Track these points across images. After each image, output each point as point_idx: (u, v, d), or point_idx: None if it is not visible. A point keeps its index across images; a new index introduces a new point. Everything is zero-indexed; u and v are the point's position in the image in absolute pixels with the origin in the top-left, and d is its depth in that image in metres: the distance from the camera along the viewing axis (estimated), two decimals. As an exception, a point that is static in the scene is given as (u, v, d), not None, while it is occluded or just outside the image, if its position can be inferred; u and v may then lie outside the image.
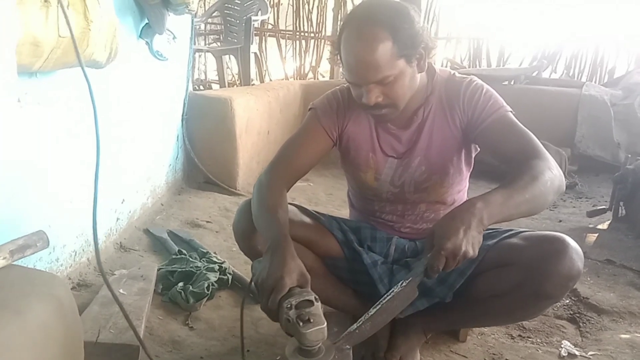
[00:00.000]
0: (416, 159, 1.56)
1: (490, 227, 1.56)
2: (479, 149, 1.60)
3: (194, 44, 3.49)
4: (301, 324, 1.10)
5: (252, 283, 1.29)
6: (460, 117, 1.50)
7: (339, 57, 1.42)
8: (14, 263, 1.17)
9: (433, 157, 1.54)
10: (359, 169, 1.62)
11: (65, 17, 1.32)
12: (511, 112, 1.47)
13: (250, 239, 1.52)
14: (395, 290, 1.25)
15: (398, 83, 1.37)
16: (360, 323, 1.22)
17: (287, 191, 1.55)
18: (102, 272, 1.22)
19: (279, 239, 1.30)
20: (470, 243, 1.16)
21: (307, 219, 1.62)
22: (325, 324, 1.13)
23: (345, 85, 1.60)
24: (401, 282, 1.26)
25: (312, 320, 1.11)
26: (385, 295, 1.25)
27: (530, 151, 1.36)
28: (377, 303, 1.24)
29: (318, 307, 1.15)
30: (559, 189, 1.32)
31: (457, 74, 1.56)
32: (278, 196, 1.47)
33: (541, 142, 4.25)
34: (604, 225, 3.10)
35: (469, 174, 1.66)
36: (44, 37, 1.36)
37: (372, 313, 1.22)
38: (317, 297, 1.17)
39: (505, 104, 1.48)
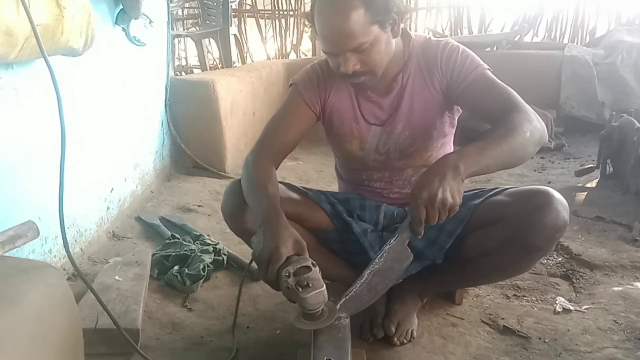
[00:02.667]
0: (399, 125, 1.56)
1: (476, 188, 1.58)
2: (461, 111, 1.61)
3: (172, 29, 3.44)
4: (300, 289, 1.13)
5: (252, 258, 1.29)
6: (440, 79, 1.51)
7: (314, 29, 1.42)
8: (5, 254, 1.17)
9: (416, 121, 1.55)
10: (343, 140, 1.63)
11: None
12: (489, 69, 1.48)
13: (239, 218, 1.52)
14: (384, 249, 1.26)
15: (374, 49, 1.37)
16: (357, 286, 1.24)
17: (276, 168, 1.55)
18: (70, 256, 1.21)
19: (270, 212, 1.31)
20: (447, 190, 1.17)
21: (294, 195, 1.62)
22: (325, 287, 1.15)
23: (323, 59, 1.60)
24: (389, 239, 1.27)
25: (311, 285, 1.14)
26: (377, 256, 1.26)
27: (510, 105, 1.37)
28: (370, 264, 1.25)
29: (316, 272, 1.18)
30: (540, 140, 1.32)
31: (432, 38, 1.56)
32: (266, 173, 1.48)
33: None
34: (592, 184, 3.13)
35: (453, 136, 1.67)
36: (17, 26, 1.33)
37: (366, 275, 1.23)
38: (314, 262, 1.20)
39: (482, 62, 1.49)
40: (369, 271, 1.25)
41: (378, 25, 1.35)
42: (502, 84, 1.45)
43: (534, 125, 1.31)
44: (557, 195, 1.39)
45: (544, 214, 1.35)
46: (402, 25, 1.45)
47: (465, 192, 1.61)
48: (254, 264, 1.36)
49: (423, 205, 1.18)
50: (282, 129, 1.58)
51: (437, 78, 1.51)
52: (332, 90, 1.59)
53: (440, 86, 1.51)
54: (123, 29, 2.38)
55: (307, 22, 1.55)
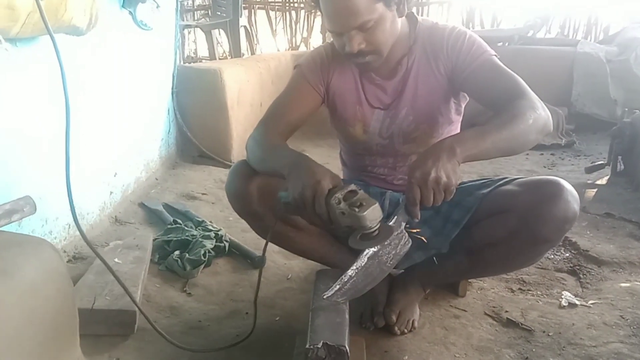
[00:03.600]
0: (403, 110, 1.54)
1: (484, 177, 1.55)
2: (468, 98, 1.58)
3: (182, 19, 3.42)
4: (357, 209, 1.12)
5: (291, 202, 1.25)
6: (445, 64, 1.48)
7: (318, 9, 1.40)
8: (2, 229, 1.15)
9: (420, 106, 1.53)
10: (347, 123, 1.61)
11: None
12: (495, 55, 1.45)
13: (244, 198, 1.49)
14: None
15: (379, 28, 1.35)
16: (353, 270, 1.21)
17: None
18: (82, 233, 1.19)
19: (296, 156, 1.31)
20: (441, 170, 1.15)
21: None
22: (377, 202, 1.15)
23: (329, 42, 1.59)
24: (385, 222, 1.24)
25: (364, 204, 1.13)
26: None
27: (515, 92, 1.34)
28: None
29: (363, 193, 1.17)
30: (543, 128, 1.30)
31: (439, 23, 1.54)
32: (278, 140, 1.47)
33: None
34: (602, 181, 3.08)
35: (460, 124, 1.64)
36: (19, 0, 1.32)
37: (363, 259, 1.21)
38: (358, 186, 1.19)
39: (488, 48, 1.46)
40: (364, 253, 1.22)
41: (383, 3, 1.33)
42: (509, 70, 1.42)
43: (538, 113, 1.28)
44: (567, 185, 1.35)
45: (554, 205, 1.32)
46: (407, 7, 1.42)
47: (473, 181, 1.59)
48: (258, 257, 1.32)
49: (416, 184, 1.16)
50: (286, 109, 1.56)
51: (443, 62, 1.48)
52: (336, 72, 1.57)
53: (446, 71, 1.49)
54: (130, 13, 2.37)
55: (312, 3, 1.53)
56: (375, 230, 1.16)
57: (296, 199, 1.21)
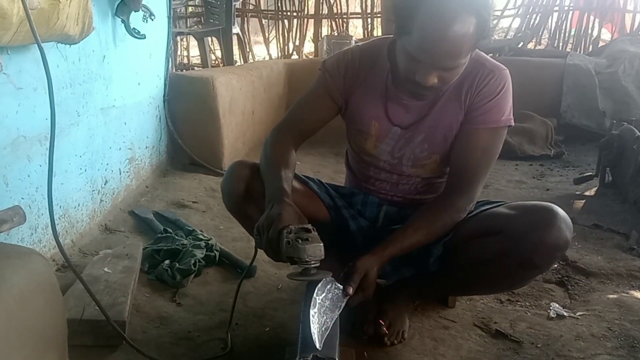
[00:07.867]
0: (420, 135, 1.51)
1: (480, 199, 1.55)
2: None
3: (175, 27, 3.42)
4: (300, 242, 1.18)
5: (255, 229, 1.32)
6: (469, 102, 1.45)
7: (402, 19, 1.30)
8: (-10, 239, 1.15)
9: (438, 136, 1.50)
10: (360, 135, 1.59)
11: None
12: (507, 125, 1.46)
13: (233, 196, 1.52)
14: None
15: (458, 71, 1.32)
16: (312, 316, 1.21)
17: (296, 149, 1.56)
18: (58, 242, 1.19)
19: (278, 192, 1.34)
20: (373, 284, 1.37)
21: (295, 183, 1.59)
22: (323, 244, 1.21)
23: (357, 46, 1.58)
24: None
25: (310, 240, 1.19)
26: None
27: (467, 182, 1.45)
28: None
29: (316, 234, 1.22)
30: (452, 225, 1.47)
31: (492, 60, 1.48)
32: (283, 153, 1.49)
33: (528, 113, 4.23)
34: (591, 192, 3.11)
35: None
36: (11, 8, 1.31)
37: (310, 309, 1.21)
38: (314, 227, 1.24)
39: (507, 114, 1.45)
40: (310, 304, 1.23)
41: (471, 53, 1.32)
42: (493, 153, 1.47)
43: (458, 218, 1.45)
44: (561, 213, 1.35)
45: (546, 232, 1.32)
46: None
47: None
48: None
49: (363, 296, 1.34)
50: (305, 114, 1.59)
51: (469, 99, 1.45)
52: (362, 85, 1.53)
53: (465, 107, 1.47)
54: (122, 21, 2.36)
55: (401, 21, 1.41)
56: (312, 266, 1.21)
57: (258, 226, 1.28)
